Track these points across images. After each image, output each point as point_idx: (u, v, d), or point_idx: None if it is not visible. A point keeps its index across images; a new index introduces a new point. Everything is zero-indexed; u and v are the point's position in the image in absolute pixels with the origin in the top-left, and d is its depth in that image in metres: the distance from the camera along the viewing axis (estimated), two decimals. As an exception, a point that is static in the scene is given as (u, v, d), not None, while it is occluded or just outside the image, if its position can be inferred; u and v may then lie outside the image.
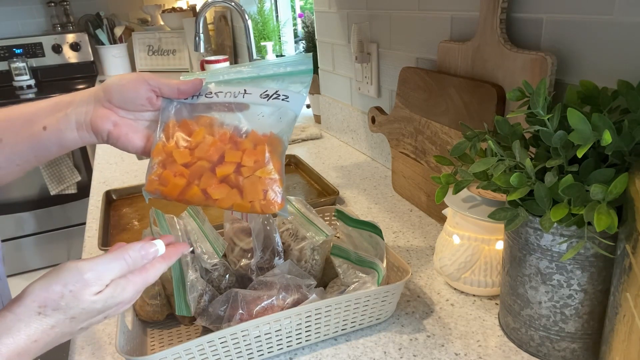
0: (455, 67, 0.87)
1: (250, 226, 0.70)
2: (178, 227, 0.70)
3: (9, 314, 0.41)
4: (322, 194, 1.10)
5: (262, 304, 0.63)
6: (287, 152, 1.32)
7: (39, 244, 2.69)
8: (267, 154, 0.51)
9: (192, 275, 0.65)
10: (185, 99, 0.55)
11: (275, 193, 0.51)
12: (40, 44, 2.89)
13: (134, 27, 3.15)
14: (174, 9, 2.95)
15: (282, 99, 0.53)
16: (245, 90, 0.55)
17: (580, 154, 0.46)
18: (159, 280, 0.70)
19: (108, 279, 0.44)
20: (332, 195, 1.05)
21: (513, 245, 0.59)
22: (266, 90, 0.54)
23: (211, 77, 0.58)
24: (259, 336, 0.60)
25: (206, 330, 0.66)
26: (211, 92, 0.56)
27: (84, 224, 1.07)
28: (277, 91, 0.54)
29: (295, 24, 2.47)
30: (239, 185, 0.51)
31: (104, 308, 0.44)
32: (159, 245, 0.49)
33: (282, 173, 0.52)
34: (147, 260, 0.47)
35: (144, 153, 0.54)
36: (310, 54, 0.59)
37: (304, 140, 1.51)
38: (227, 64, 2.37)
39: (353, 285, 0.66)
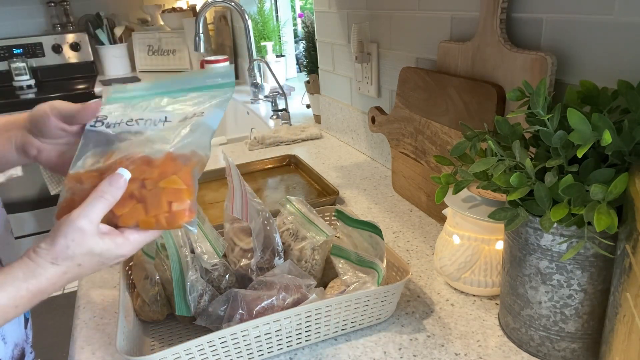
0: (455, 67, 0.87)
1: (250, 226, 0.70)
2: (178, 227, 0.70)
3: (30, 261, 0.48)
4: (322, 194, 1.10)
5: (262, 304, 0.63)
6: (288, 152, 1.33)
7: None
8: (173, 165, 0.50)
9: (192, 275, 0.65)
10: (107, 129, 0.55)
11: (182, 204, 0.49)
12: (40, 44, 2.89)
13: (134, 27, 3.15)
14: (174, 9, 2.95)
15: (198, 116, 0.53)
16: (166, 117, 0.55)
17: (580, 154, 0.46)
18: (159, 280, 0.70)
19: (97, 218, 0.48)
20: (332, 195, 1.05)
21: (513, 245, 0.59)
22: (185, 117, 0.54)
23: (129, 99, 0.58)
24: (259, 336, 0.60)
25: (206, 330, 0.66)
26: (132, 120, 0.55)
27: (84, 224, 1.07)
28: (194, 113, 0.54)
29: (295, 24, 2.47)
30: (143, 198, 0.50)
31: (104, 257, 0.50)
32: (124, 173, 0.50)
33: (193, 184, 0.50)
34: (121, 189, 0.49)
35: (57, 169, 0.60)
36: (232, 66, 0.58)
37: (304, 140, 1.51)
38: (227, 64, 2.37)
39: (353, 285, 0.66)
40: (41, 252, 0.48)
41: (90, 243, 0.48)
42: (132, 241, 0.50)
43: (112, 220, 0.50)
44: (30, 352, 0.76)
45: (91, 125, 0.56)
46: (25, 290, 0.48)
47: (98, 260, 0.50)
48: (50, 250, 0.48)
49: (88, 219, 0.48)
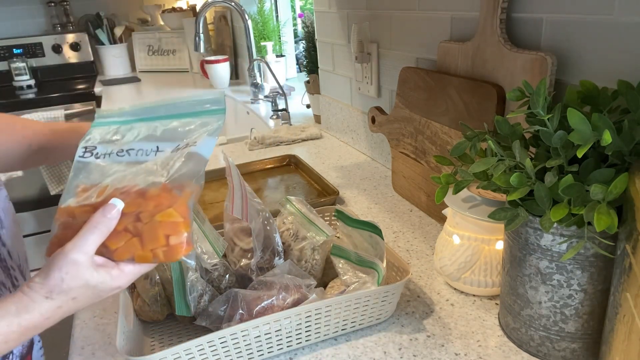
0: (455, 67, 0.87)
1: (250, 226, 0.70)
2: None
3: (24, 296, 0.47)
4: (322, 194, 1.10)
5: (262, 304, 0.63)
6: (288, 152, 1.33)
7: (39, 244, 2.69)
8: (169, 197, 0.49)
9: (192, 275, 0.65)
10: (97, 159, 0.54)
11: (179, 237, 0.48)
12: (40, 44, 2.89)
13: (134, 27, 3.15)
14: (174, 9, 2.95)
15: (191, 145, 0.52)
16: (157, 147, 0.54)
17: (580, 154, 0.46)
18: (159, 280, 0.70)
19: (91, 250, 0.48)
20: (332, 195, 1.05)
21: (513, 245, 0.59)
22: (177, 145, 0.53)
23: (125, 127, 0.56)
24: (259, 336, 0.60)
25: (206, 330, 0.66)
26: (122, 150, 0.54)
27: (84, 224, 1.07)
28: (187, 143, 0.53)
29: (295, 24, 2.47)
30: (139, 232, 0.49)
31: (99, 290, 0.49)
32: (117, 203, 0.49)
33: (189, 215, 0.50)
34: (115, 219, 0.49)
35: None
36: (224, 91, 0.58)
37: (304, 140, 1.51)
38: (226, 64, 2.37)
39: (353, 285, 0.66)
40: (35, 287, 0.47)
41: (86, 275, 0.48)
42: (127, 273, 0.50)
43: (106, 255, 0.49)
44: (39, 341, 0.78)
45: (80, 156, 0.55)
46: (16, 326, 0.46)
47: (93, 292, 0.49)
48: (45, 284, 0.47)
49: (82, 251, 0.47)
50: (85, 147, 0.56)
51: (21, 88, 2.73)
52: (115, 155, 0.54)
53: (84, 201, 0.51)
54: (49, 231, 2.70)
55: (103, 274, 0.48)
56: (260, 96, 2.04)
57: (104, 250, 0.49)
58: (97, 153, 0.55)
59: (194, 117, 0.56)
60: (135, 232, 0.49)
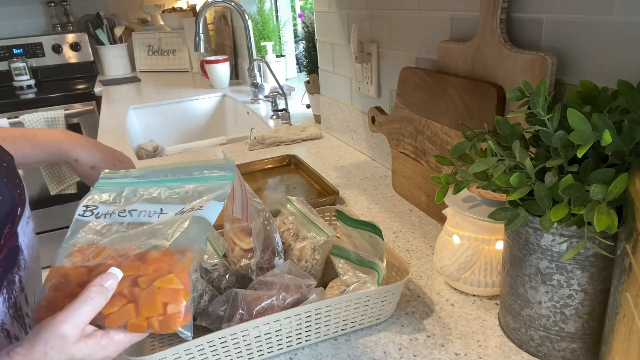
0: (455, 67, 0.87)
1: (250, 226, 0.70)
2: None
3: None
4: (322, 194, 1.10)
5: (262, 304, 0.63)
6: (288, 152, 1.33)
7: (38, 243, 2.69)
8: (169, 262, 0.47)
9: (192, 275, 0.65)
10: (97, 219, 0.53)
11: (178, 305, 0.46)
12: (40, 44, 2.89)
13: (134, 27, 3.15)
14: (174, 9, 2.95)
15: (196, 209, 0.51)
16: (161, 209, 0.52)
17: (580, 154, 0.46)
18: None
19: (83, 323, 0.45)
20: (332, 195, 1.05)
21: (513, 245, 0.59)
22: (182, 208, 0.52)
23: (129, 192, 0.56)
24: (259, 336, 0.61)
25: (206, 330, 0.66)
26: (125, 211, 0.53)
27: (84, 224, 1.07)
28: (193, 207, 0.51)
29: (295, 24, 2.47)
30: (135, 298, 0.46)
31: None
32: (116, 272, 0.47)
33: (190, 284, 0.47)
34: (112, 289, 0.46)
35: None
36: (233, 159, 0.57)
37: (304, 140, 1.51)
38: (226, 64, 2.37)
39: (353, 285, 0.66)
40: (16, 358, 0.44)
41: (72, 350, 0.45)
42: (116, 342, 0.47)
43: (97, 320, 0.46)
44: None
45: (80, 215, 0.53)
46: None
47: None
48: (27, 357, 0.44)
49: (72, 325, 0.44)
50: (87, 206, 0.54)
51: (21, 88, 2.73)
52: (117, 216, 0.53)
53: (79, 263, 0.49)
54: (48, 231, 2.71)
55: (91, 345, 0.46)
56: (260, 96, 2.04)
57: (95, 315, 0.46)
58: (98, 213, 0.54)
59: (201, 182, 0.55)
60: (132, 297, 0.46)
